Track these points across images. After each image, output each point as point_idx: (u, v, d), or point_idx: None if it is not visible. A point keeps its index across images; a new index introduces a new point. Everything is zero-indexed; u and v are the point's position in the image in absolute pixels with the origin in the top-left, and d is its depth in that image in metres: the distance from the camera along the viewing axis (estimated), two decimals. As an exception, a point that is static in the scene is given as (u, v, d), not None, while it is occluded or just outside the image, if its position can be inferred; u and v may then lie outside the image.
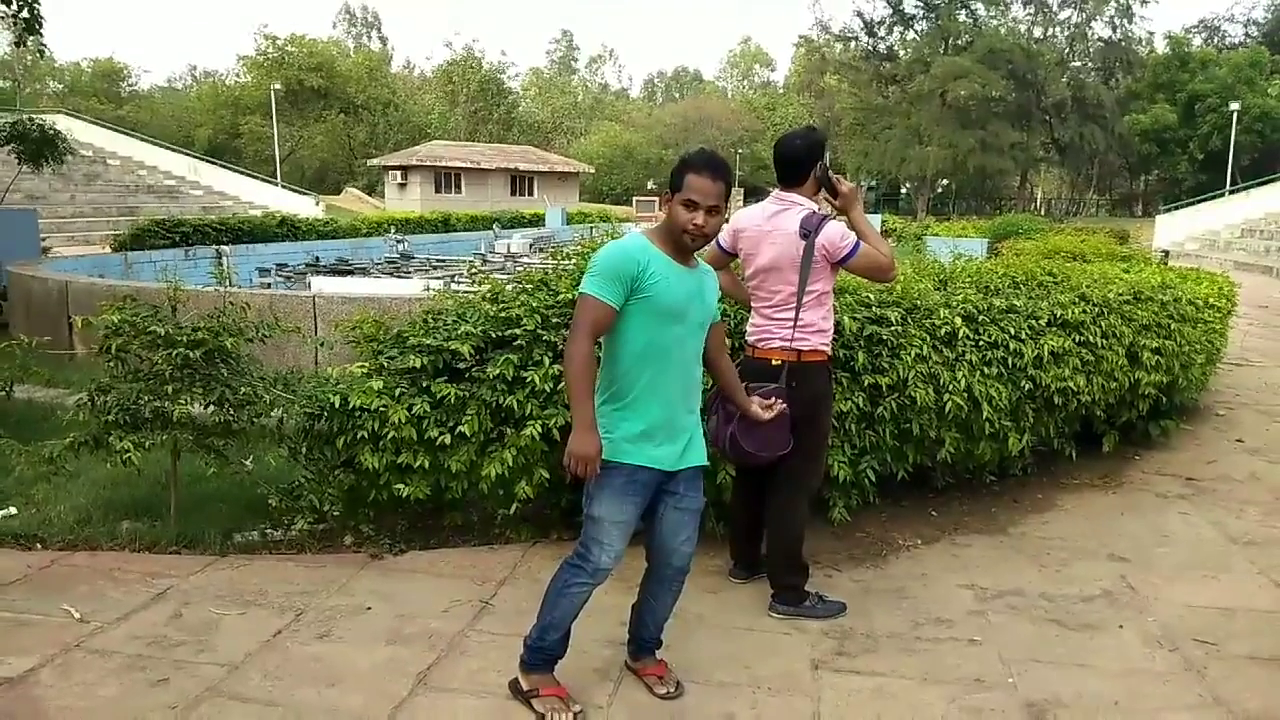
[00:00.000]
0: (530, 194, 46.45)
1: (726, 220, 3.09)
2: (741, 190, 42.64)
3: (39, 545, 4.23)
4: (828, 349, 3.61)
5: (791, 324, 3.48)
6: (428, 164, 43.82)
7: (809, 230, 3.44)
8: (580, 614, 2.96)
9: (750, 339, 3.65)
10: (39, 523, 4.40)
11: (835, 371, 4.13)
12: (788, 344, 3.49)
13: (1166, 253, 20.23)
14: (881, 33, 53.33)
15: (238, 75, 59.90)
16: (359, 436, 3.96)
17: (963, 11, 50.72)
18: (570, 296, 4.10)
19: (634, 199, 41.70)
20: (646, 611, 3.08)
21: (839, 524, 4.39)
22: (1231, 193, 31.96)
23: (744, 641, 3.47)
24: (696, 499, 2.95)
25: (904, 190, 59.26)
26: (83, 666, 3.18)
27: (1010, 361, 4.64)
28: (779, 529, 3.71)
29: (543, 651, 2.96)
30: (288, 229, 18.72)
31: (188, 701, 2.97)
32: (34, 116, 13.67)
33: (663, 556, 2.95)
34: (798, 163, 3.56)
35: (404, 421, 3.87)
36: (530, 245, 19.03)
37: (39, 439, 4.29)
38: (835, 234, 3.46)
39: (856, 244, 3.47)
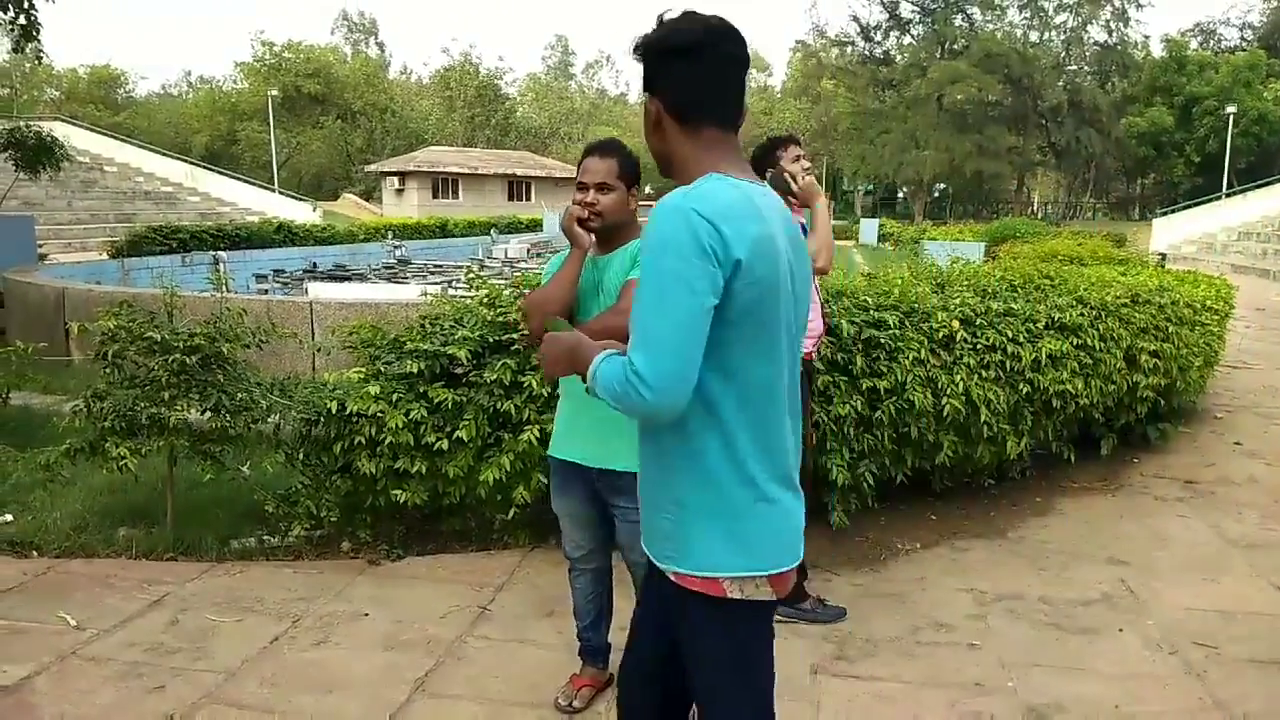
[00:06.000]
0: (528, 199, 46.43)
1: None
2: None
3: (35, 552, 4.21)
4: None
5: None
6: (425, 170, 43.80)
7: None
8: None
9: None
10: (35, 530, 4.38)
11: (833, 375, 4.12)
12: None
13: (1163, 256, 20.30)
14: (878, 37, 53.57)
15: (235, 82, 60.01)
16: (356, 442, 3.96)
17: (959, 16, 50.92)
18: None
19: (632, 203, 41.71)
20: None
21: (838, 528, 4.37)
22: (1228, 196, 32.02)
23: (743, 646, 3.45)
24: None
25: (901, 194, 59.35)
26: (79, 674, 3.17)
27: (1008, 365, 4.63)
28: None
29: (579, 640, 3.12)
30: (285, 235, 18.74)
31: (184, 709, 2.96)
32: (31, 123, 13.68)
33: (627, 569, 2.87)
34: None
35: (401, 427, 3.86)
36: (528, 250, 19.06)
37: (35, 445, 4.29)
38: None
39: None
